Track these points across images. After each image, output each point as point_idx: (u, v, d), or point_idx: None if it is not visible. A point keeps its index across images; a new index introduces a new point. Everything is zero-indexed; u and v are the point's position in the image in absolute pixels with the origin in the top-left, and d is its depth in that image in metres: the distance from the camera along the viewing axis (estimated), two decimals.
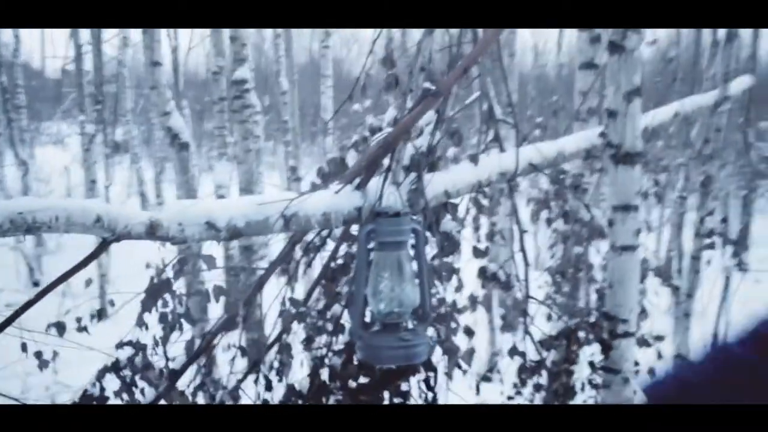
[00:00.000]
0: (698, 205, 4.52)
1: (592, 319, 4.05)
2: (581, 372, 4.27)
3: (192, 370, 2.30)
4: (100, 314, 2.45)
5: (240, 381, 2.53)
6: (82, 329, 2.43)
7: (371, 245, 2.15)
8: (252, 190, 5.96)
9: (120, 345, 2.36)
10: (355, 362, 2.52)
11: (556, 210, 3.55)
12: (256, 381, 2.52)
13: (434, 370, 2.44)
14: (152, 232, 1.72)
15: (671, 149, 5.84)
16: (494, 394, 4.46)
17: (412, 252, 2.21)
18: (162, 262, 2.11)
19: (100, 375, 2.33)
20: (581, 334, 4.00)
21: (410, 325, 2.19)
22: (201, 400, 2.47)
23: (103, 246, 1.68)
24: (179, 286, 2.10)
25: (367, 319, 2.25)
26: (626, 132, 2.93)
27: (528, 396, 4.37)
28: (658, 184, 4.00)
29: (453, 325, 2.48)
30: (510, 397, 4.34)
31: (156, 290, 2.01)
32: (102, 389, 2.23)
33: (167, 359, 2.19)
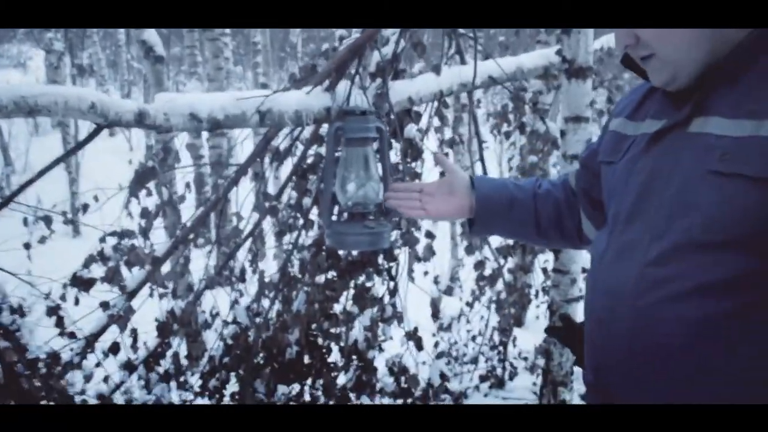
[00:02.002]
0: None
1: None
2: (536, 280, 4.56)
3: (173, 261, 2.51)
4: (85, 209, 2.62)
5: (217, 272, 2.74)
6: (68, 222, 2.61)
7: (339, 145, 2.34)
8: None
9: (102, 239, 2.55)
10: (323, 253, 2.74)
11: (514, 123, 3.76)
12: (230, 273, 2.74)
13: (395, 260, 2.67)
14: (140, 120, 1.89)
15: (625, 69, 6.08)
16: (455, 302, 4.73)
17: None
18: (149, 150, 2.28)
19: (88, 262, 2.52)
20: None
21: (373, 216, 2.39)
22: (181, 287, 2.68)
23: (97, 131, 1.85)
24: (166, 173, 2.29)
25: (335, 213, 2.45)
26: (579, 48, 3.13)
27: (486, 303, 4.68)
28: (612, 101, 4.20)
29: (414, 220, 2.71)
30: (468, 303, 4.63)
31: (142, 176, 2.19)
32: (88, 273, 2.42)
33: (151, 244, 2.38)
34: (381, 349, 2.68)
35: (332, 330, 2.84)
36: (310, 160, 2.68)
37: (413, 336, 2.77)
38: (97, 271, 2.54)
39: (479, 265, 4.24)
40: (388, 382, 2.75)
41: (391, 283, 2.69)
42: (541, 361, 4.52)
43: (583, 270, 3.42)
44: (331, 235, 2.43)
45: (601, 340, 1.22)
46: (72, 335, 2.49)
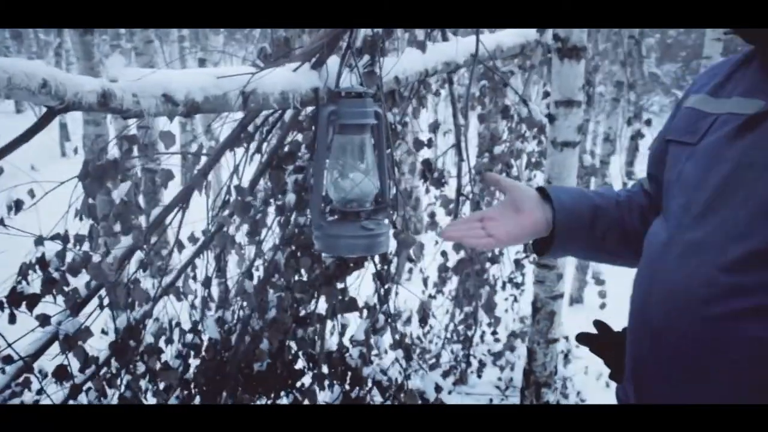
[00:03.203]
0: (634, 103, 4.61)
1: None
2: (504, 272, 4.33)
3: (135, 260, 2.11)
4: (18, 205, 2.19)
5: (181, 270, 2.37)
6: None
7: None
8: None
9: (39, 241, 2.13)
10: (299, 254, 2.41)
11: (489, 106, 3.48)
12: (194, 278, 2.37)
13: (389, 262, 2.36)
14: (105, 102, 1.50)
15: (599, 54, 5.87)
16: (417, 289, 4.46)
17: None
18: (108, 137, 1.88)
19: (23, 271, 2.11)
20: None
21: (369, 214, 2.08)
22: (147, 283, 2.31)
23: (49, 116, 1.45)
24: (132, 166, 1.89)
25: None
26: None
27: (447, 294, 4.42)
28: (591, 84, 3.99)
29: (408, 216, 2.39)
30: (431, 296, 4.38)
31: (101, 171, 1.80)
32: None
33: (108, 250, 1.99)
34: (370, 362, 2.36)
35: (307, 337, 2.52)
36: (286, 149, 2.33)
37: (401, 344, 2.46)
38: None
39: (444, 254, 3.98)
40: (378, 399, 2.44)
41: (382, 288, 2.37)
42: (511, 358, 4.31)
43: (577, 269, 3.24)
44: (322, 238, 2.09)
45: (652, 353, 1.06)
46: (7, 359, 2.09)
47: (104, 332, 2.57)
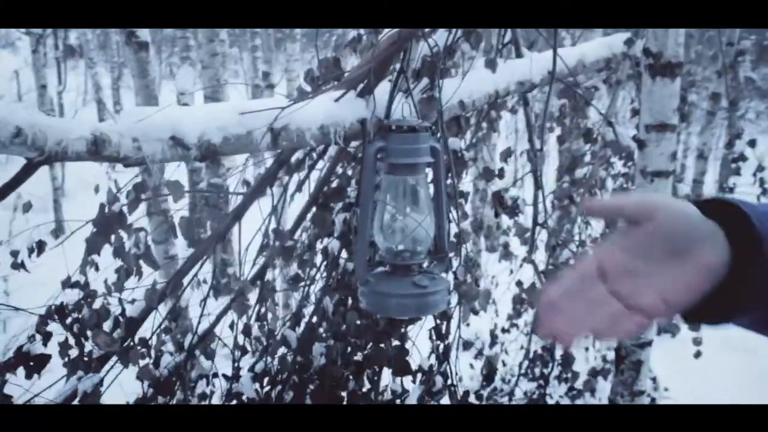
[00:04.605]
0: (727, 124, 4.12)
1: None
2: None
3: (155, 318, 1.88)
4: (40, 247, 1.98)
5: (213, 324, 2.12)
6: (18, 266, 1.98)
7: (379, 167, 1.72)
8: (218, 99, 5.43)
9: (47, 313, 1.90)
10: (347, 306, 2.13)
11: (570, 127, 3.13)
12: (231, 326, 2.11)
13: (449, 318, 2.05)
14: (97, 150, 1.25)
15: (692, 63, 5.31)
16: (485, 323, 4.15)
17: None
18: (115, 185, 1.64)
19: (42, 323, 1.89)
20: None
21: (425, 266, 1.77)
22: (170, 346, 2.08)
23: (27, 170, 1.22)
24: (137, 218, 1.65)
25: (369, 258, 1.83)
26: (668, 38, 2.49)
27: (523, 328, 4.07)
28: (685, 101, 3.57)
29: (468, 263, 2.08)
30: (504, 330, 4.05)
31: (106, 225, 1.56)
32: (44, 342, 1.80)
33: (123, 309, 1.75)
34: None
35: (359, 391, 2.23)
36: (334, 184, 2.05)
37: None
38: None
39: (519, 284, 3.64)
40: None
41: (441, 345, 2.06)
42: (591, 401, 3.93)
43: None
44: (368, 295, 1.78)
45: None
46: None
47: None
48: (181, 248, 3.51)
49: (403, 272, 1.73)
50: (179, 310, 1.94)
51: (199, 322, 2.08)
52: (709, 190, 5.40)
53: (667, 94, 2.52)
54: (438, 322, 2.06)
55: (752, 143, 3.89)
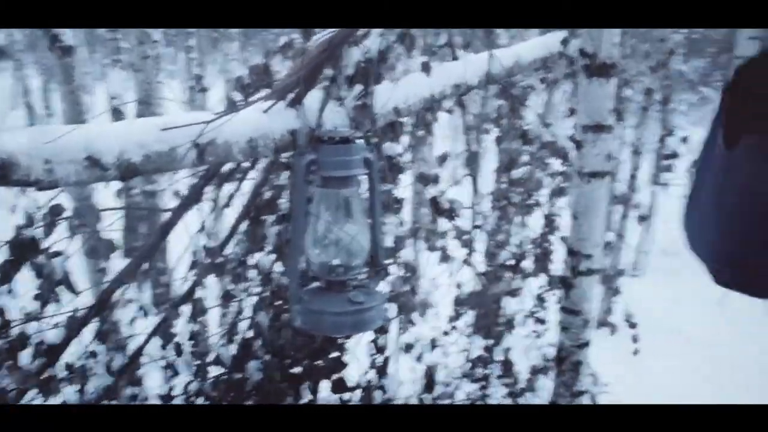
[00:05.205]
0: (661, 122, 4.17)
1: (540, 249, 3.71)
2: (524, 305, 3.95)
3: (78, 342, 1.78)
4: None
5: (142, 346, 2.03)
6: None
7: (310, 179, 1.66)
8: (151, 104, 5.28)
9: None
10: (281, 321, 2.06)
11: (505, 128, 3.11)
12: (163, 346, 2.03)
13: (386, 331, 2.00)
14: (5, 175, 1.16)
15: (627, 58, 5.36)
16: (425, 329, 4.12)
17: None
18: (33, 205, 1.54)
19: None
20: (526, 265, 3.66)
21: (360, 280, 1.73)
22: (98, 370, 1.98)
23: None
24: (56, 241, 1.55)
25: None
26: (603, 38, 2.49)
27: (462, 329, 4.05)
28: (620, 98, 3.59)
29: (406, 273, 2.04)
30: (445, 333, 4.02)
31: (19, 251, 1.47)
32: None
33: (42, 340, 1.65)
34: None
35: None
36: (266, 196, 1.98)
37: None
38: None
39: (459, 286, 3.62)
40: None
41: (379, 357, 2.01)
42: (533, 399, 3.93)
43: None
44: (303, 314, 1.72)
45: None
46: None
47: None
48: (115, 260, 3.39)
49: (338, 288, 1.68)
50: (107, 333, 1.84)
51: (127, 343, 1.99)
52: (644, 186, 5.48)
53: (603, 95, 2.52)
54: (377, 335, 2.01)
55: (685, 140, 3.95)
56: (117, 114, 4.59)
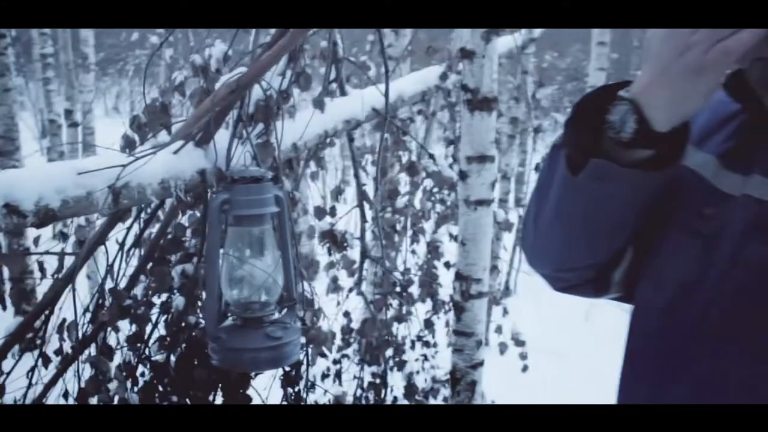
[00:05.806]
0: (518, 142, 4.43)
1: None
2: (413, 329, 4.05)
3: None
4: None
5: (42, 394, 1.96)
6: None
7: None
8: (13, 138, 5.04)
9: None
10: (196, 362, 2.05)
11: (393, 160, 3.22)
12: (65, 395, 1.96)
13: (299, 364, 2.03)
14: None
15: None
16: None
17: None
18: None
19: None
20: (414, 290, 3.77)
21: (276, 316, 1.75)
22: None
23: None
24: None
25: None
26: (483, 75, 2.64)
27: (353, 356, 4.10)
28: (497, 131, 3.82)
29: (316, 306, 2.08)
30: (336, 361, 4.06)
31: None
32: None
33: None
34: None
35: None
36: (170, 236, 1.97)
37: None
38: None
39: (347, 314, 3.69)
40: None
41: (291, 391, 2.03)
42: None
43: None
44: (220, 352, 1.73)
45: None
46: None
47: None
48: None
49: (255, 324, 1.70)
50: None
51: (25, 394, 1.91)
52: (512, 208, 5.79)
53: (485, 128, 2.67)
54: (288, 369, 2.04)
55: (537, 167, 4.22)
56: None
